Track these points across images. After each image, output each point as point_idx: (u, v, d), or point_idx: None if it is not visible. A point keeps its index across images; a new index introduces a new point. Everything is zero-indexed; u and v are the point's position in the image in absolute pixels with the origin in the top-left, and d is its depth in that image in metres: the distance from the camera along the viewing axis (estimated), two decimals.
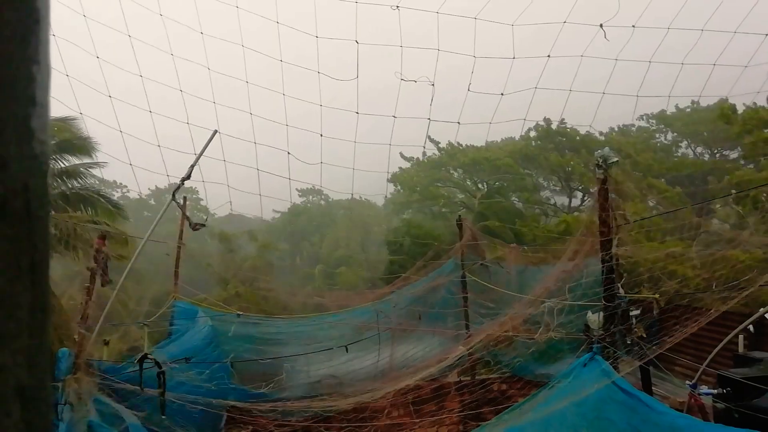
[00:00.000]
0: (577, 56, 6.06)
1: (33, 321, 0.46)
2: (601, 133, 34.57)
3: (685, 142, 37.08)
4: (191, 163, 7.42)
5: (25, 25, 0.47)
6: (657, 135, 38.44)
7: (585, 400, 4.91)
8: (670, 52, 6.05)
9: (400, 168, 33.47)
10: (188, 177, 7.48)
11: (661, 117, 37.13)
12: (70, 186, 14.73)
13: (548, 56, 6.02)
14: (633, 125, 38.75)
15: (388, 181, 32.16)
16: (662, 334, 8.10)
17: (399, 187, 33.48)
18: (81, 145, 14.82)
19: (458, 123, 6.41)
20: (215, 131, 7.39)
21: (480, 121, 6.78)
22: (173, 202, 7.92)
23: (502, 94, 6.16)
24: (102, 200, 14.92)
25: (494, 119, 6.62)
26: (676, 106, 35.61)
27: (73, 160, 15.05)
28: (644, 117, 37.84)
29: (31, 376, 0.45)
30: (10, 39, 0.46)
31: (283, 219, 49.42)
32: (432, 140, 32.88)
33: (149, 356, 6.46)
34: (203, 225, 7.82)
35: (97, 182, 16.08)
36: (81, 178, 15.01)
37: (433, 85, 5.87)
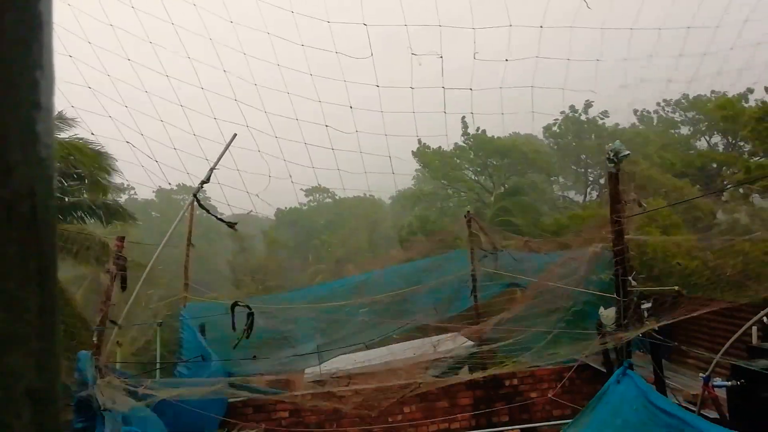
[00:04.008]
0: (567, 27, 6.16)
1: (42, 324, 0.47)
2: (633, 124, 34.57)
3: (700, 131, 36.79)
4: (210, 165, 7.53)
5: (27, 29, 0.47)
6: (676, 127, 38.09)
7: (625, 423, 4.82)
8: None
9: (423, 145, 32.44)
10: (207, 180, 7.60)
11: (678, 104, 36.82)
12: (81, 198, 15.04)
13: (568, 59, 6.12)
14: (653, 112, 38.52)
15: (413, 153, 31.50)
16: (675, 324, 8.02)
17: (420, 165, 32.69)
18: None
19: (470, 89, 6.55)
20: (234, 135, 7.49)
21: (493, 121, 6.94)
22: (194, 202, 8.07)
23: (506, 60, 6.37)
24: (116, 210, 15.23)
25: (506, 118, 6.77)
26: (697, 95, 35.30)
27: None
28: (661, 104, 37.54)
29: (41, 379, 0.46)
30: (13, 44, 0.46)
31: (289, 217, 49.60)
32: (463, 121, 31.88)
33: (240, 303, 7.26)
34: (235, 224, 8.14)
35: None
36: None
37: (441, 57, 6.15)
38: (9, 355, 0.44)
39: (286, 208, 47.94)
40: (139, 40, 6.63)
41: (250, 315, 7.21)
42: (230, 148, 7.59)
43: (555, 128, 33.58)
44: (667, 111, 38.32)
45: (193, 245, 10.37)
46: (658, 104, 37.63)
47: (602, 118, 31.97)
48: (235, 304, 7.34)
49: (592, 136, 32.60)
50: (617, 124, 34.49)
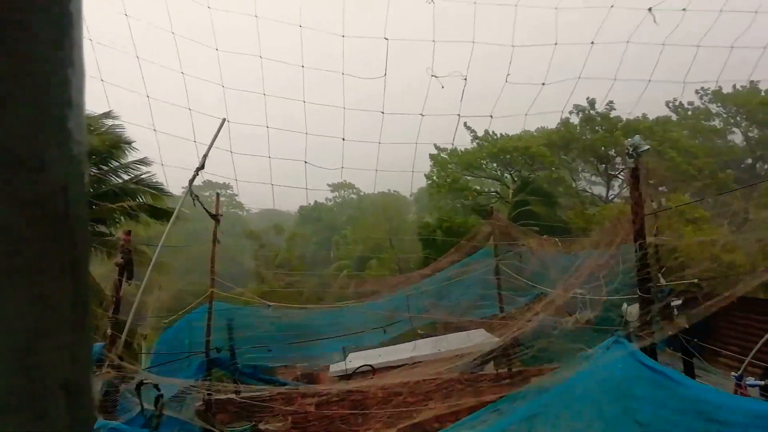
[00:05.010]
0: (622, 42, 5.59)
1: (75, 317, 0.48)
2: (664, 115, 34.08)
3: (737, 124, 35.76)
4: (209, 156, 7.50)
5: (59, 29, 0.48)
6: (708, 118, 37.07)
7: (608, 377, 4.82)
8: (720, 34, 5.72)
9: (437, 149, 32.52)
10: (202, 167, 7.54)
11: (717, 94, 35.86)
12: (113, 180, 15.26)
13: (592, 43, 5.54)
14: (691, 103, 37.69)
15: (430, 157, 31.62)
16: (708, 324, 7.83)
17: (434, 169, 32.72)
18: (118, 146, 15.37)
19: (491, 116, 6.08)
20: (224, 120, 7.36)
21: (515, 112, 6.32)
22: (190, 193, 7.99)
23: (543, 84, 5.63)
24: (146, 188, 15.42)
25: (531, 108, 6.22)
26: (733, 86, 34.29)
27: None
28: (699, 92, 36.58)
29: (74, 371, 0.47)
30: (45, 43, 0.47)
31: (314, 213, 49.96)
32: (467, 127, 32.35)
33: (145, 381, 6.47)
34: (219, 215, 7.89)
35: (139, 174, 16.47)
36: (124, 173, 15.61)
37: (465, 78, 5.50)
38: (44, 348, 0.45)
39: (309, 204, 48.39)
40: (157, 31, 6.60)
41: (160, 398, 6.34)
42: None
43: (560, 127, 33.03)
44: (705, 101, 37.28)
45: (219, 241, 10.46)
46: (697, 92, 36.65)
47: (609, 109, 31.18)
48: (141, 384, 6.38)
49: (599, 129, 31.93)
50: (645, 115, 33.75)
